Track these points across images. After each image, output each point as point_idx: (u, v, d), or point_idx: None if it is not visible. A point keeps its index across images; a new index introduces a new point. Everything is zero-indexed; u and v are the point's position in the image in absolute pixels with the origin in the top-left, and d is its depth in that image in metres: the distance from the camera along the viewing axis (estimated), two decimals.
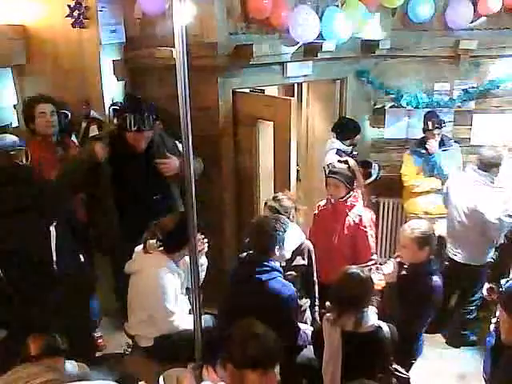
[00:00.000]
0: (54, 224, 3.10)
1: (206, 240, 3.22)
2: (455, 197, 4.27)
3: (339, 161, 3.90)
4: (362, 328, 2.70)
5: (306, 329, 3.24)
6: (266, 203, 3.47)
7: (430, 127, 4.74)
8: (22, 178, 3.03)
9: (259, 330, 2.17)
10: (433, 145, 4.75)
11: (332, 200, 3.82)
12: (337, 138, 4.85)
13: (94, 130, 3.98)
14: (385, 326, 2.76)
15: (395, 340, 2.77)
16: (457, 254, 4.31)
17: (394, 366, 2.90)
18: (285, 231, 2.97)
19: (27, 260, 2.94)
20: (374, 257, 3.78)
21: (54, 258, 3.09)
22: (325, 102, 5.49)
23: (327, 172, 3.93)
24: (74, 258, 3.32)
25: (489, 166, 4.08)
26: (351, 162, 3.83)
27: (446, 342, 4.55)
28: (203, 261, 3.27)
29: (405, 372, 3.09)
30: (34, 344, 2.42)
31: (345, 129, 4.90)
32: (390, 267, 3.24)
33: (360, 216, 3.73)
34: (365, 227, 3.73)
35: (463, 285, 4.40)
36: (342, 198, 3.75)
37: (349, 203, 3.74)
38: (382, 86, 5.14)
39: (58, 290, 3.02)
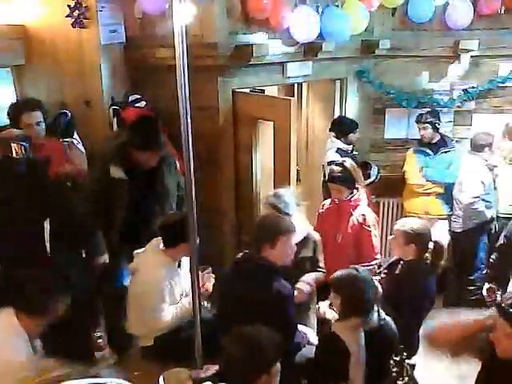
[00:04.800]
0: (48, 219, 3.07)
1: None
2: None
3: (336, 164, 3.89)
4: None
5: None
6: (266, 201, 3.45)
7: (419, 120, 4.84)
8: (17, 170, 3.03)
9: (257, 332, 2.21)
10: None
11: (336, 200, 3.83)
12: (336, 138, 4.85)
13: None
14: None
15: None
16: (458, 227, 4.74)
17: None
18: (286, 230, 2.95)
19: (20, 250, 2.94)
20: (378, 256, 3.77)
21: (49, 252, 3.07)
22: (325, 102, 5.48)
23: (327, 177, 3.93)
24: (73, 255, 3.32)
25: (480, 147, 4.61)
26: (347, 163, 3.82)
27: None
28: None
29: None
30: None
31: (342, 125, 4.89)
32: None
33: (364, 215, 3.73)
34: (369, 227, 3.73)
35: (465, 251, 4.78)
36: (345, 197, 3.76)
37: (353, 202, 3.75)
38: (382, 85, 5.13)
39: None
